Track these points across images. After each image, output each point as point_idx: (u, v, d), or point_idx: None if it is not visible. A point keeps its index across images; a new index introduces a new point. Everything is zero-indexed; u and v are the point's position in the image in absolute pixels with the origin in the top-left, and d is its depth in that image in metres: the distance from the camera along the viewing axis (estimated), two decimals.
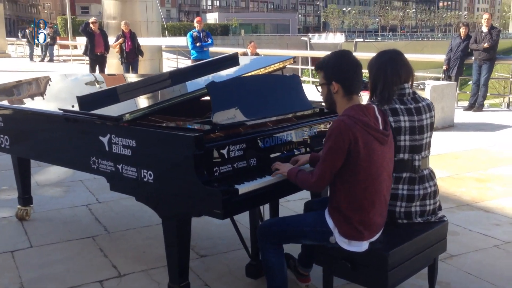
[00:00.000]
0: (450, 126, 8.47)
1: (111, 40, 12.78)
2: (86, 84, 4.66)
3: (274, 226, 2.65)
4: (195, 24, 11.47)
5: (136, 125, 2.86)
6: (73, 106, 3.24)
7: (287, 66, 3.97)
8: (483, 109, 10.38)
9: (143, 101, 3.25)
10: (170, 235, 2.77)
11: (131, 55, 12.26)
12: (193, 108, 3.57)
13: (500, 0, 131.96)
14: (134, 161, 2.81)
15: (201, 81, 3.51)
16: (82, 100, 3.11)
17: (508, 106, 12.43)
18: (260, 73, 3.60)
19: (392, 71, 2.70)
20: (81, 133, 3.20)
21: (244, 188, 2.59)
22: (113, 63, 13.89)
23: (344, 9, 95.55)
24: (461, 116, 9.43)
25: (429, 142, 2.80)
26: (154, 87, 3.44)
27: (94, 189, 5.21)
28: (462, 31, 10.35)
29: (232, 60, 3.94)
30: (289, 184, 2.71)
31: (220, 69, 3.84)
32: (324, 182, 2.45)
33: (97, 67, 12.70)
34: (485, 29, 9.92)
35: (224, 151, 2.70)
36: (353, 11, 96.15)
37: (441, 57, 11.14)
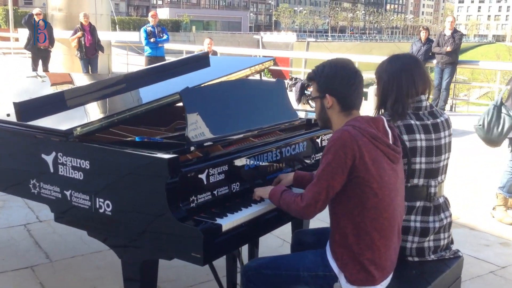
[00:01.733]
0: None
1: (56, 33, 11.83)
2: (27, 85, 3.97)
3: (266, 269, 2.14)
4: (149, 19, 10.73)
5: (90, 142, 2.28)
6: (8, 115, 2.61)
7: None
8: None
9: (98, 110, 2.66)
10: (131, 274, 2.21)
11: (91, 50, 11.28)
12: (158, 116, 3.01)
13: (444, 5, 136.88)
14: (87, 187, 2.23)
15: (170, 85, 2.95)
16: (21, 108, 2.49)
17: (451, 108, 12.43)
18: (238, 77, 3.08)
19: (408, 80, 2.25)
20: (18, 150, 2.57)
21: (228, 223, 2.07)
22: (58, 58, 12.92)
23: (296, 8, 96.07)
24: None
25: (447, 164, 2.37)
26: (111, 91, 2.85)
27: (34, 205, 4.48)
28: (423, 35, 10.19)
29: (203, 60, 3.39)
30: (281, 213, 2.22)
31: (190, 71, 3.29)
32: (317, 207, 1.97)
33: (40, 62, 11.72)
34: (448, 32, 9.79)
35: (203, 176, 2.17)
36: (304, 11, 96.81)
37: None
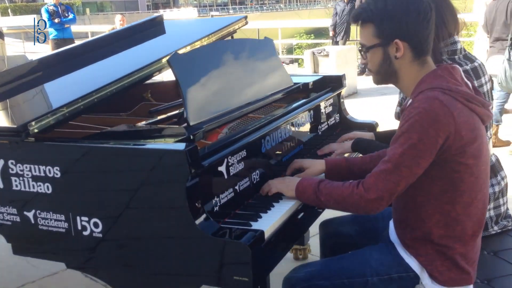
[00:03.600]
0: (354, 93, 8.00)
1: None
2: None
3: (320, 280, 1.63)
4: None
5: (53, 140, 1.63)
6: None
7: None
8: None
9: (53, 97, 1.98)
10: None
11: None
12: (114, 99, 2.38)
13: None
14: (60, 202, 1.59)
15: (132, 58, 2.31)
16: None
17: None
18: (211, 41, 2.49)
19: (437, 18, 1.78)
20: None
21: (269, 226, 1.55)
22: None
23: None
24: (361, 82, 9.06)
25: (492, 116, 1.98)
26: (58, 70, 2.16)
27: None
28: None
29: (157, 26, 2.75)
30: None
31: (144, 40, 2.64)
32: (391, 200, 1.50)
33: None
34: None
35: (223, 168, 1.62)
36: None
37: (325, 22, 10.73)
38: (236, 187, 1.68)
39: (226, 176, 1.62)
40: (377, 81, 1.65)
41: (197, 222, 1.40)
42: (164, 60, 2.02)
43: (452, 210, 1.50)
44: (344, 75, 2.69)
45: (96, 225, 1.55)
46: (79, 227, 1.57)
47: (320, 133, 2.41)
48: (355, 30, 10.38)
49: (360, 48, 1.61)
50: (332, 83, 2.63)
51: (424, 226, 1.53)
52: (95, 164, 1.53)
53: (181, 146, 1.41)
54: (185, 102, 1.73)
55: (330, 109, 2.54)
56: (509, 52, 4.32)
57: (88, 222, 1.55)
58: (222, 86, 1.95)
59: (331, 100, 2.56)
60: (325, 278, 1.63)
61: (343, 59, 7.66)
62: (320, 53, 7.79)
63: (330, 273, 1.64)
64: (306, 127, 2.27)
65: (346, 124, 2.65)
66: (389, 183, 1.46)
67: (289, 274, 1.68)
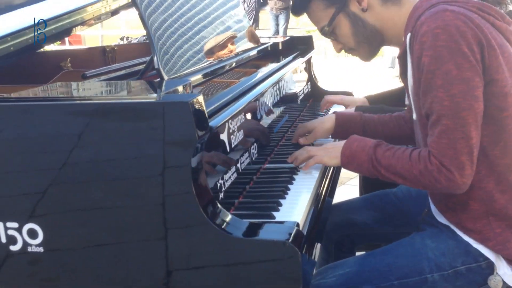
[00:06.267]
0: None
1: None
2: None
3: (356, 283, 1.17)
4: None
5: None
6: None
7: None
8: None
9: None
10: None
11: None
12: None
13: None
14: None
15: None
16: None
17: None
18: None
19: None
20: None
21: (302, 215, 1.07)
22: None
23: None
24: None
25: None
26: None
27: None
28: None
29: None
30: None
31: None
32: (473, 163, 1.06)
33: None
34: None
35: (224, 136, 1.11)
36: None
37: None
38: (239, 165, 1.18)
39: (228, 148, 1.12)
40: (367, 54, 1.30)
41: (212, 219, 0.89)
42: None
43: (506, 172, 1.12)
44: (312, 36, 2.28)
45: (31, 234, 0.97)
46: (4, 239, 0.98)
47: (299, 102, 1.97)
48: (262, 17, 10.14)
49: (324, 32, 1.26)
50: (301, 45, 2.20)
51: (482, 194, 1.13)
52: (34, 129, 0.94)
53: (183, 97, 0.89)
54: (153, 49, 1.18)
55: (303, 76, 2.11)
56: None
57: (19, 230, 0.97)
58: (189, 33, 1.43)
59: (304, 65, 2.12)
60: (367, 282, 1.19)
61: None
62: None
63: (372, 274, 1.20)
64: (285, 94, 1.82)
65: (318, 94, 2.23)
66: (460, 142, 1.04)
67: (316, 281, 1.21)
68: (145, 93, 1.02)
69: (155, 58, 1.12)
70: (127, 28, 9.66)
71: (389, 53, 7.21)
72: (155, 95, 0.95)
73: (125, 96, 1.03)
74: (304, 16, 1.32)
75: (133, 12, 1.35)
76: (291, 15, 9.88)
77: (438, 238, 1.22)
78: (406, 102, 1.34)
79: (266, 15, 9.77)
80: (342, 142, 1.24)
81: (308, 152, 1.29)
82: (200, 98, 0.90)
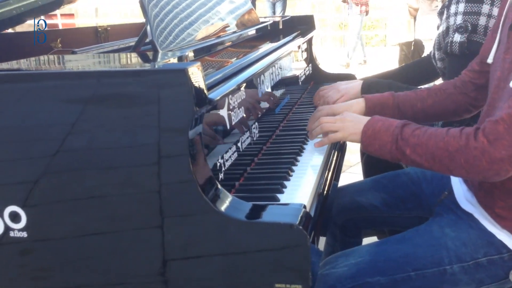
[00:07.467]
0: None
1: None
2: None
3: (369, 275, 1.08)
4: None
5: None
6: None
7: None
8: None
9: None
10: None
11: None
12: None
13: None
14: None
15: None
16: None
17: None
18: None
19: None
20: None
21: (308, 197, 0.99)
22: None
23: None
24: None
25: None
26: None
27: None
28: None
29: None
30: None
31: None
32: None
33: None
34: None
35: (224, 112, 1.03)
36: None
37: None
38: (239, 144, 1.09)
39: (228, 125, 1.03)
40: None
41: (214, 202, 0.80)
42: None
43: None
44: (313, 15, 2.18)
45: (14, 217, 0.88)
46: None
47: (300, 84, 1.88)
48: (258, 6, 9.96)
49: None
50: (302, 25, 2.11)
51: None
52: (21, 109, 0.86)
53: (180, 65, 0.80)
54: (148, 21, 1.09)
55: (304, 56, 2.03)
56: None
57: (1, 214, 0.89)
58: (190, 12, 1.34)
59: (305, 45, 2.04)
60: (380, 273, 1.10)
61: None
62: None
63: (387, 264, 1.11)
64: (286, 75, 1.73)
65: (320, 77, 2.15)
66: None
67: (324, 270, 1.13)
68: (139, 65, 0.93)
69: (148, 28, 1.03)
70: None
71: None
72: (149, 65, 0.87)
73: (118, 66, 0.94)
74: (301, 4, 1.22)
75: None
76: (287, 3, 9.78)
77: (459, 227, 1.13)
78: (489, 61, 1.15)
79: (262, 4, 9.63)
80: (364, 117, 1.14)
81: (322, 128, 1.19)
82: (199, 66, 0.81)
